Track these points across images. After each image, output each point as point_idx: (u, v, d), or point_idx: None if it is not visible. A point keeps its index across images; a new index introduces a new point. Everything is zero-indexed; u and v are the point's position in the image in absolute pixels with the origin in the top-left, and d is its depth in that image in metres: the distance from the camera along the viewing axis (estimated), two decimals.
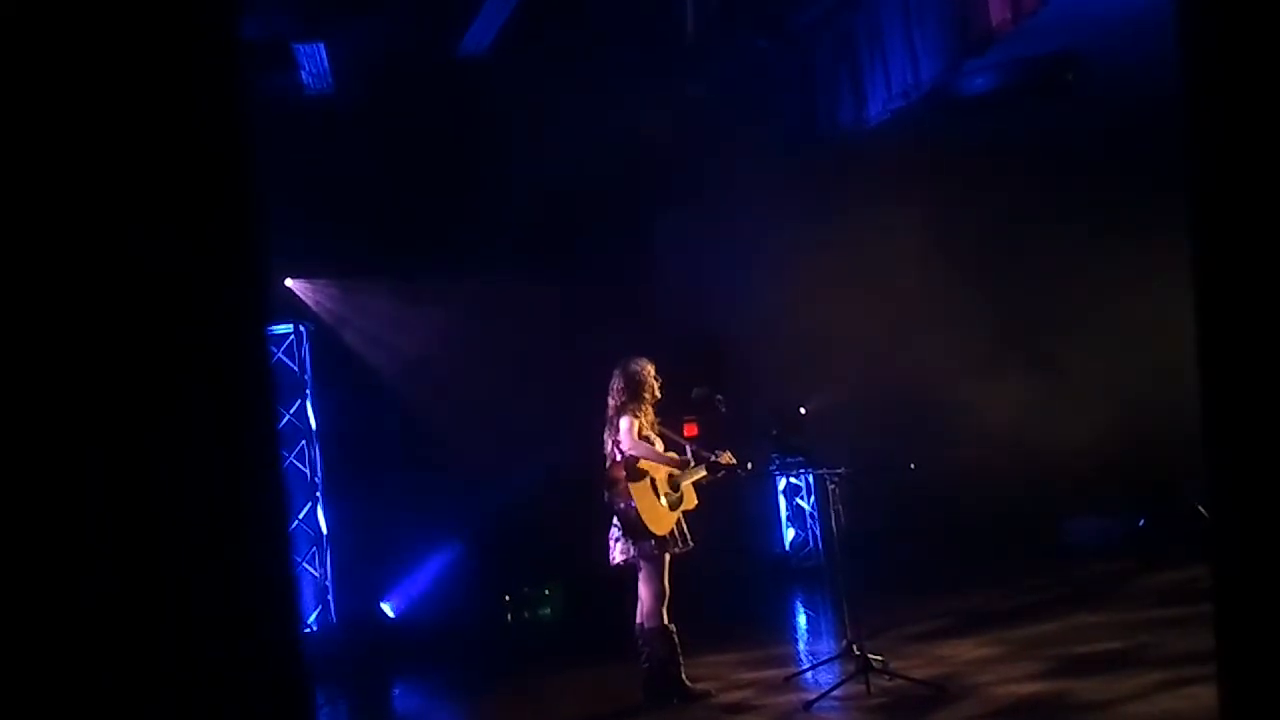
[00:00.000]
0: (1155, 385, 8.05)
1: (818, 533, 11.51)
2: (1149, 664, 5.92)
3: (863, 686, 5.97)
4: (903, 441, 9.14)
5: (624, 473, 6.33)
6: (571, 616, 10.09)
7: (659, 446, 6.50)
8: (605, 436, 6.49)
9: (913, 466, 8.01)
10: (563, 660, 8.51)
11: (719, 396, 6.64)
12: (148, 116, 1.34)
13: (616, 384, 6.48)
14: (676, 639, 6.35)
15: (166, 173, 1.34)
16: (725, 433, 7.12)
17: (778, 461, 6.99)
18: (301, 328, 9.84)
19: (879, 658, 6.18)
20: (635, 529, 6.25)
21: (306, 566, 9.54)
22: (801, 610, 10.04)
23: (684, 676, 6.38)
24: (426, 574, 10.02)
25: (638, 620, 6.39)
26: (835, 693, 6.06)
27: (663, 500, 6.40)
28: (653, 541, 6.26)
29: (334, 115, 8.55)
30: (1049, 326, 10.44)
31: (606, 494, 6.37)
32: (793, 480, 11.47)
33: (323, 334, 10.05)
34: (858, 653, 6.12)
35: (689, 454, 6.68)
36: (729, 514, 9.30)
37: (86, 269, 1.29)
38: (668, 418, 6.71)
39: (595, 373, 6.72)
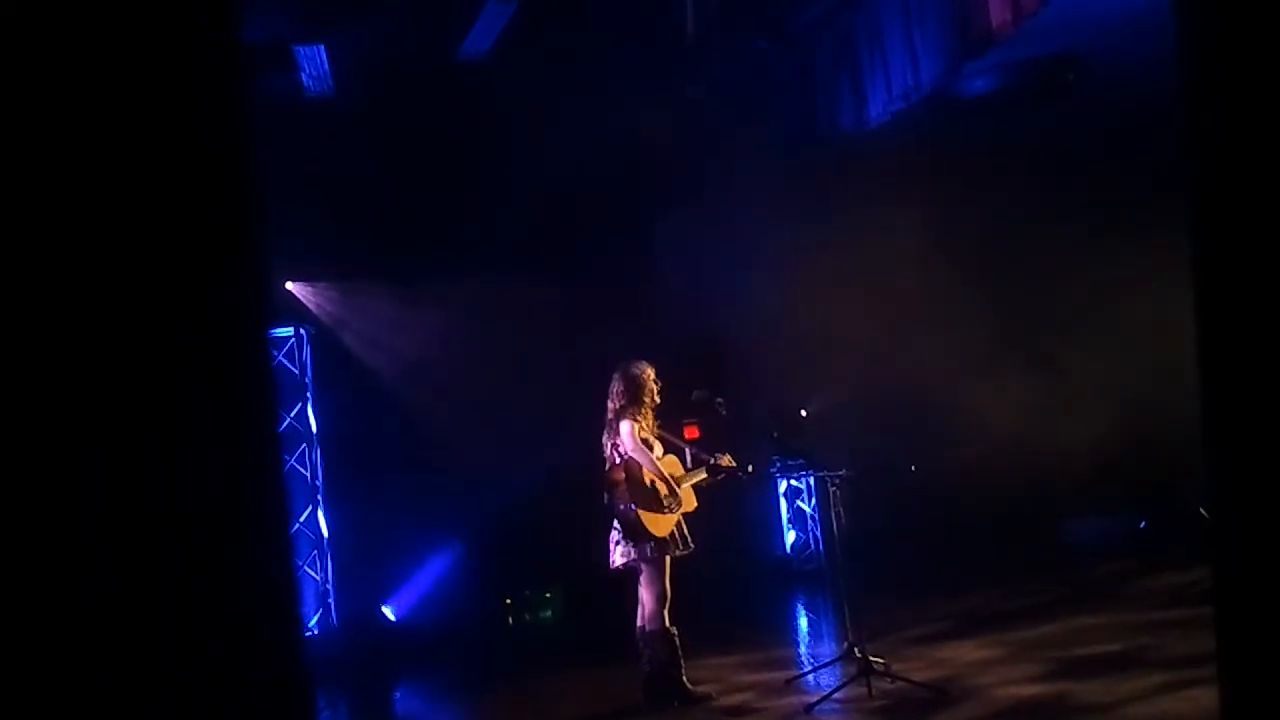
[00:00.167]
0: (1155, 385, 8.04)
1: (819, 535, 11.50)
2: (1150, 666, 5.91)
3: (864, 689, 5.97)
4: (903, 442, 9.12)
5: (624, 475, 6.33)
6: (572, 619, 10.08)
7: (659, 450, 6.50)
8: (605, 439, 6.49)
9: (913, 468, 8.00)
10: (563, 662, 8.50)
11: (719, 399, 6.64)
12: (148, 118, 1.34)
13: (616, 387, 6.48)
14: (677, 642, 6.35)
15: (167, 174, 1.35)
16: (726, 435, 7.12)
17: (779, 464, 6.97)
18: (302, 331, 9.83)
19: (880, 660, 6.17)
20: (636, 532, 6.25)
21: (307, 570, 9.53)
22: (803, 612, 10.04)
23: (685, 679, 6.37)
24: (427, 576, 10.01)
25: (638, 623, 6.38)
26: (836, 695, 6.06)
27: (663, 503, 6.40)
28: (653, 544, 6.26)
29: (334, 117, 8.54)
30: (1049, 326, 10.43)
31: (606, 497, 6.37)
32: (793, 482, 11.46)
33: (323, 337, 10.04)
34: (859, 655, 6.11)
35: (689, 457, 6.68)
36: (730, 516, 9.30)
37: (87, 270, 1.29)
38: (668, 420, 6.71)
39: (595, 374, 6.71)
